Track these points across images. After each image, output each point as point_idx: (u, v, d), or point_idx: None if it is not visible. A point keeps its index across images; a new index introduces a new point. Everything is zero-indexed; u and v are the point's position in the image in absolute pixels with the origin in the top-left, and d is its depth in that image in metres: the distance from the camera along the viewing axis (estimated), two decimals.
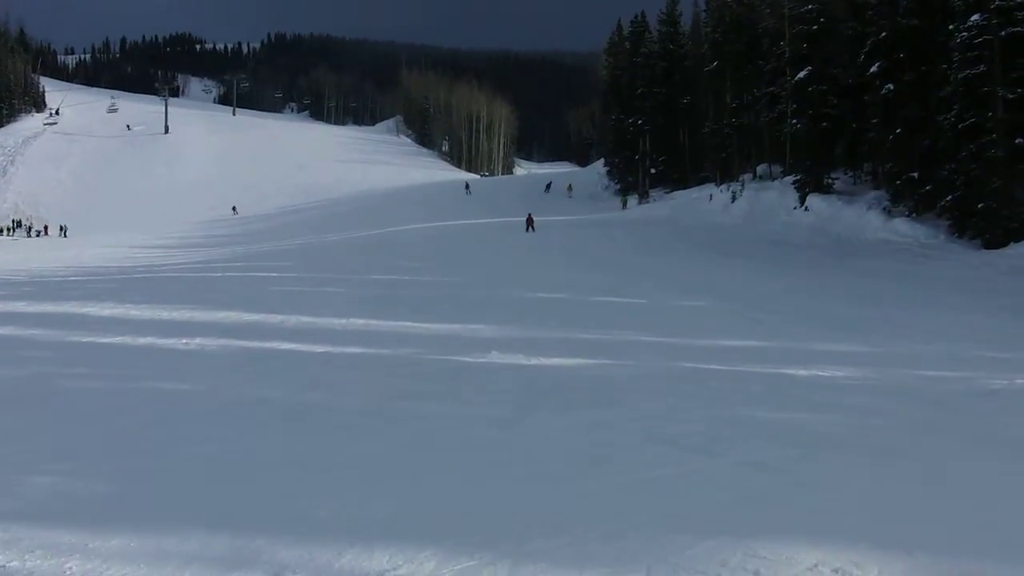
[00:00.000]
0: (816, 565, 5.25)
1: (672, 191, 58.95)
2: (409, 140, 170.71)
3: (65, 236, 72.92)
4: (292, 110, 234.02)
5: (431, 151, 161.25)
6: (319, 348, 13.62)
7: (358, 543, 5.63)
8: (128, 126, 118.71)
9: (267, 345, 13.92)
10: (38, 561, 5.39)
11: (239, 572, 5.21)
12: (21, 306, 19.18)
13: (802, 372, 11.57)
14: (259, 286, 23.93)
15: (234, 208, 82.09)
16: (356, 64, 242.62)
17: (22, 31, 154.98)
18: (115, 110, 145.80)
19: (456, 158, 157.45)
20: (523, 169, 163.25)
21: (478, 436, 8.52)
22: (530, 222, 44.69)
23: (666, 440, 8.22)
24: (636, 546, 5.58)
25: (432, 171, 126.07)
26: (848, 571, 5.17)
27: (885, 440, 8.29)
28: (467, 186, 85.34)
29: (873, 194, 38.30)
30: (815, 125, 41.23)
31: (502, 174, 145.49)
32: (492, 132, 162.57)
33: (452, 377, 11.54)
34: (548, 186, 78.36)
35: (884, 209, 36.02)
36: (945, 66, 32.40)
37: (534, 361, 12.38)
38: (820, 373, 11.54)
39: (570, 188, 75.01)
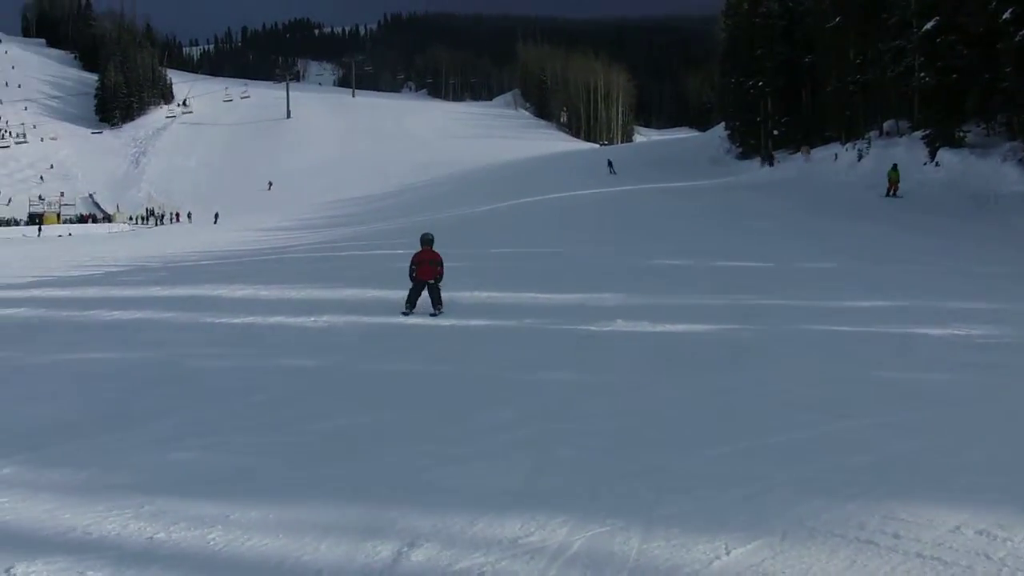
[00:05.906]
0: (959, 527, 5.07)
1: (796, 152, 57.52)
2: (527, 113, 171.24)
3: (190, 222, 75.02)
4: (410, 89, 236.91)
5: (549, 123, 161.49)
6: (444, 321, 13.76)
7: (490, 512, 5.66)
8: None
9: (393, 321, 14.10)
10: (183, 533, 5.56)
11: (375, 540, 5.29)
12: (156, 290, 19.78)
13: (936, 331, 11.23)
14: (383, 263, 24.21)
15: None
16: (472, 40, 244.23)
17: (148, 26, 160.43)
18: (247, 96, 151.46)
19: (575, 128, 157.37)
20: (643, 136, 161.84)
21: (605, 404, 8.49)
22: None
23: (796, 403, 8.06)
24: (770, 510, 5.49)
25: (552, 143, 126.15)
26: (993, 533, 4.98)
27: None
28: (610, 164, 69.45)
29: (1008, 146, 36.62)
30: (944, 77, 39.66)
31: (621, 142, 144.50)
32: (610, 101, 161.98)
33: (578, 346, 11.52)
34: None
35: (1020, 161, 34.56)
36: None
37: (659, 328, 12.28)
38: (955, 332, 11.18)
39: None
